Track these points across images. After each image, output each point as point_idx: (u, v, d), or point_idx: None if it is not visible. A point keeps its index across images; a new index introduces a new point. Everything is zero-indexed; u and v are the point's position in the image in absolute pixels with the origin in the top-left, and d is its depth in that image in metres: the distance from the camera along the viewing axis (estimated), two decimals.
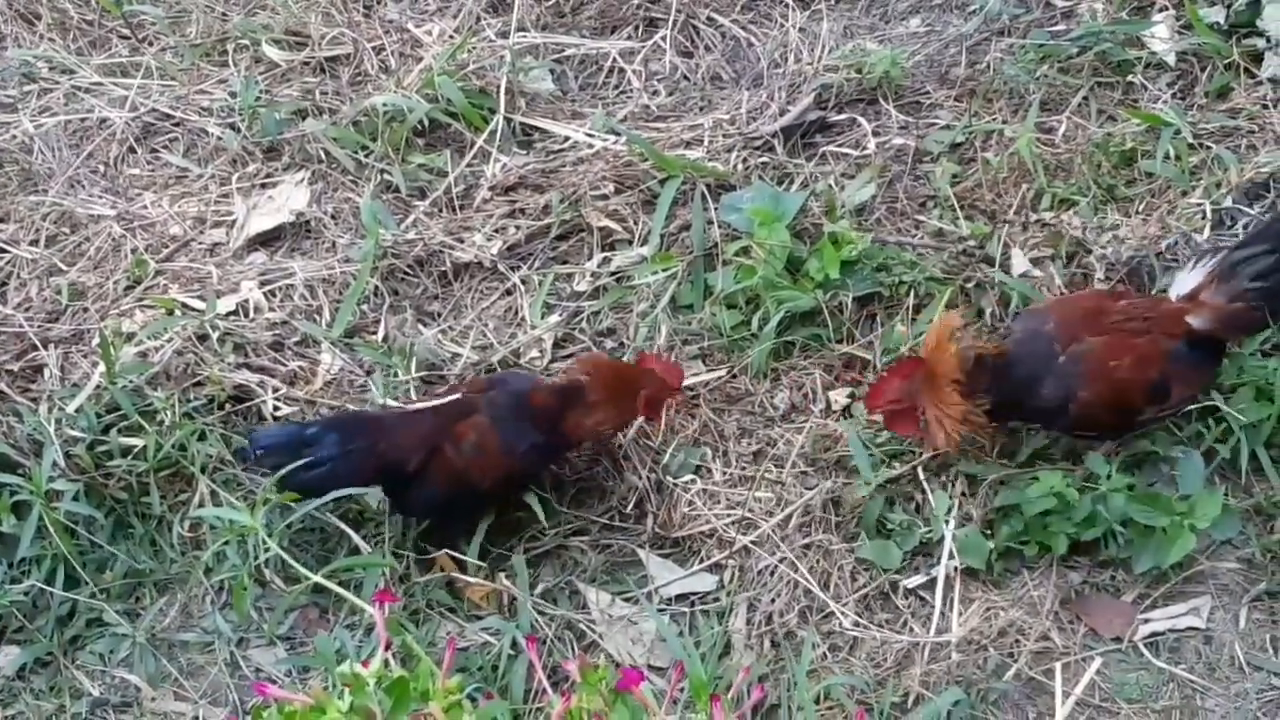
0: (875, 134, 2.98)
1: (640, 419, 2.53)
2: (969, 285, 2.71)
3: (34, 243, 3.00)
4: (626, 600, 2.41)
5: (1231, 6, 3.06)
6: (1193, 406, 2.46)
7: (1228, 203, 2.74)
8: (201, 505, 2.52)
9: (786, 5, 3.29)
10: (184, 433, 2.56)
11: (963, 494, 2.46)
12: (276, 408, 2.64)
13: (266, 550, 2.19)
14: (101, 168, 3.16)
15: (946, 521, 2.40)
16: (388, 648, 1.50)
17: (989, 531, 2.40)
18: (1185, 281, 2.44)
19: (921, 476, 2.47)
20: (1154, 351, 2.35)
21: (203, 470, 2.55)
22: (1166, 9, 3.13)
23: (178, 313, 2.78)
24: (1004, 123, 2.94)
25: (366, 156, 3.07)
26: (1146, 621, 2.32)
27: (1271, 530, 2.38)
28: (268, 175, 3.09)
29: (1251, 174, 2.76)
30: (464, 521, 2.47)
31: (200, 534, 2.54)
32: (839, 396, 2.62)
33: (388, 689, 1.46)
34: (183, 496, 2.57)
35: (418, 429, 2.39)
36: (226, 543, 2.33)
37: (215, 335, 2.73)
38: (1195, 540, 2.31)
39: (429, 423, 2.40)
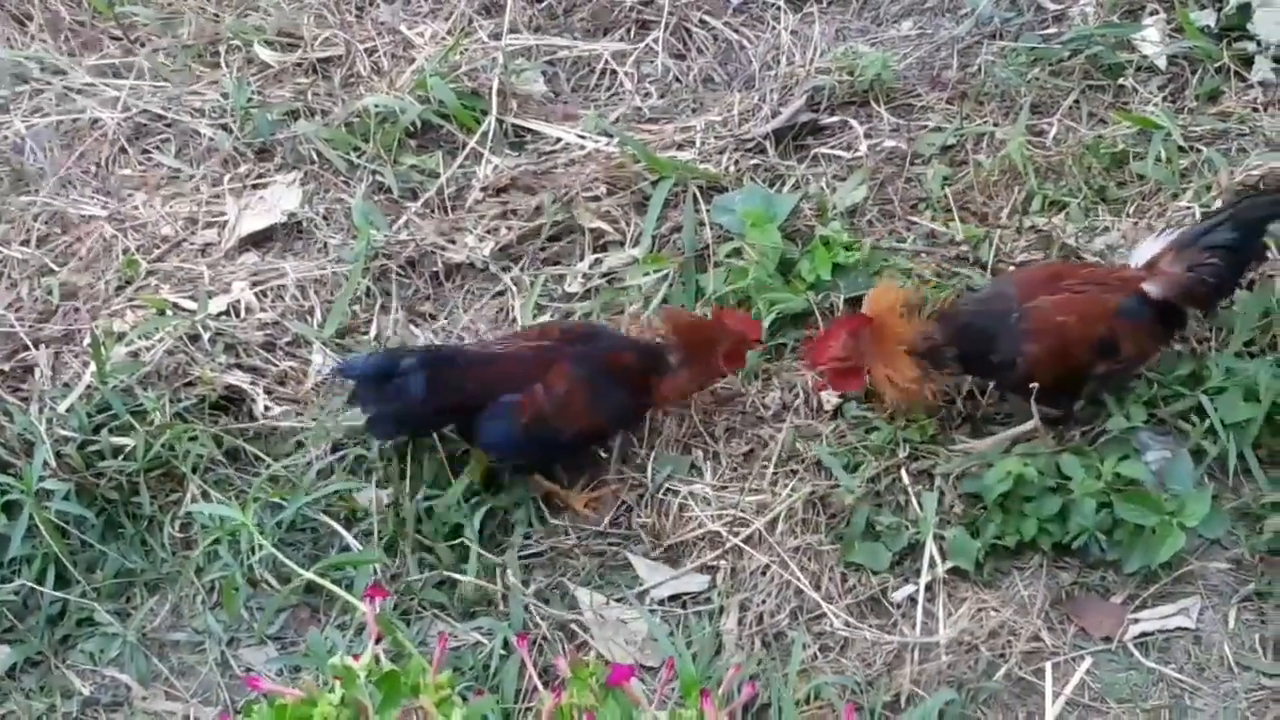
0: (867, 136, 2.98)
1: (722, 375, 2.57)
2: (961, 287, 2.71)
3: (25, 243, 3.00)
4: (619, 601, 2.41)
5: (1222, 10, 3.07)
6: (1180, 407, 2.47)
7: (1218, 205, 2.74)
8: (193, 505, 2.52)
9: (779, 8, 3.29)
10: (175, 433, 2.55)
11: (943, 492, 2.45)
12: (267, 408, 2.64)
13: (258, 549, 2.19)
14: (93, 168, 3.16)
15: (929, 530, 2.41)
16: (378, 642, 1.51)
17: (975, 531, 2.40)
18: (1146, 250, 2.49)
19: (905, 479, 2.47)
20: (1101, 308, 2.40)
21: (193, 470, 2.55)
22: (1157, 13, 3.14)
23: (169, 313, 2.78)
24: (995, 125, 2.95)
25: (358, 157, 3.07)
26: (1136, 622, 2.33)
27: (1260, 531, 2.38)
28: (260, 176, 3.09)
29: (1242, 176, 2.77)
30: (538, 466, 2.51)
31: (191, 534, 2.53)
32: (830, 397, 2.62)
33: (378, 682, 1.46)
34: (174, 496, 2.57)
35: (510, 369, 2.43)
36: (217, 541, 2.33)
37: (206, 335, 2.73)
38: (1185, 539, 2.32)
39: (521, 365, 2.43)
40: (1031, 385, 2.39)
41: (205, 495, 2.53)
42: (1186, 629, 2.32)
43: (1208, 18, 3.07)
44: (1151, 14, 3.15)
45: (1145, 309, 2.42)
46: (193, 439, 2.57)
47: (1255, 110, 2.92)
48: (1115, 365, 2.45)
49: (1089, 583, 2.38)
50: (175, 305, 2.81)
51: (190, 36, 3.43)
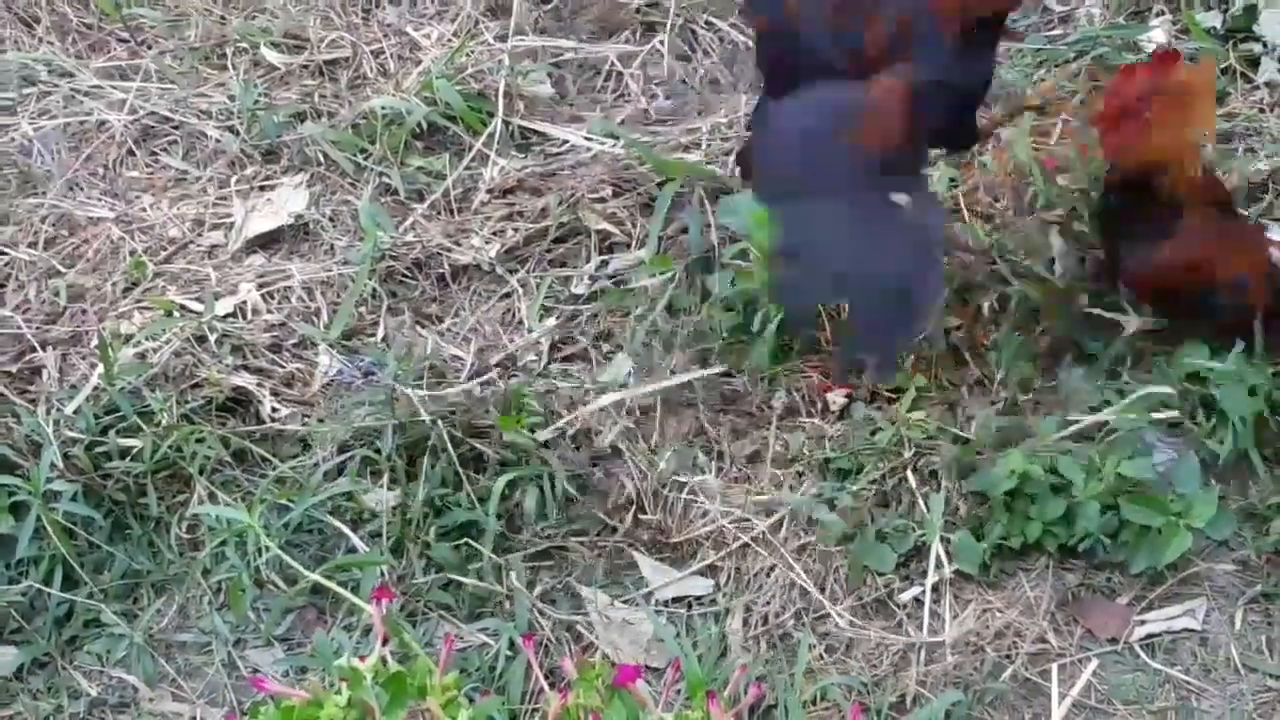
0: None
1: None
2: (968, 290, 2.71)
3: (33, 245, 3.01)
4: (625, 603, 2.42)
5: (1228, 11, 3.07)
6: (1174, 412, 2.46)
7: None
8: (200, 506, 2.53)
9: None
10: (182, 434, 2.56)
11: (950, 491, 2.45)
12: (274, 409, 2.65)
13: (265, 550, 2.19)
14: (100, 170, 3.17)
15: (936, 533, 2.40)
16: (385, 643, 1.51)
17: (980, 533, 2.40)
18: None
19: (911, 480, 2.47)
20: None
21: (201, 472, 2.55)
22: (1163, 14, 3.15)
23: (176, 314, 2.79)
24: (1000, 126, 2.95)
25: (365, 159, 3.08)
26: (1143, 623, 2.32)
27: (1267, 532, 2.38)
28: (266, 178, 3.10)
29: (1250, 176, 2.77)
30: None
31: (198, 535, 2.54)
32: (836, 398, 2.63)
33: (385, 684, 1.47)
34: (181, 498, 2.57)
35: None
36: (224, 543, 2.34)
37: (213, 337, 2.74)
38: (1191, 540, 2.32)
39: None
40: None
41: (212, 497, 2.54)
42: (1193, 630, 2.32)
43: (1213, 19, 3.07)
44: (1158, 15, 3.15)
45: None
46: (200, 440, 2.58)
47: (1261, 111, 2.92)
48: None
49: (1095, 584, 2.38)
50: (182, 307, 2.82)
51: (197, 39, 3.44)
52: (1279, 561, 2.36)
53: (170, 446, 2.56)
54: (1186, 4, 3.13)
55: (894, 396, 2.60)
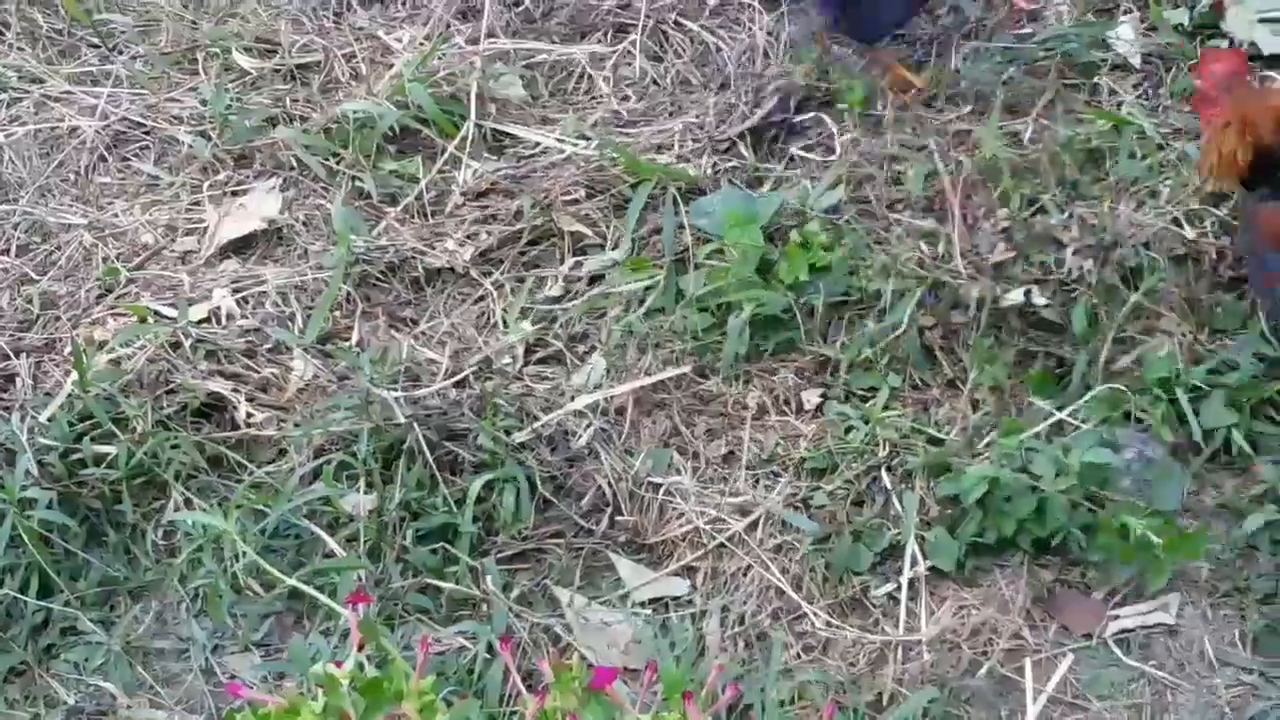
0: (843, 135, 2.99)
1: None
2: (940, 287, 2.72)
3: (5, 252, 3.00)
4: (602, 604, 2.42)
5: (1195, 8, 3.09)
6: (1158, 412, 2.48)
7: (1194, 204, 2.75)
8: (176, 512, 2.53)
9: (754, 8, 3.29)
10: (157, 441, 2.56)
11: (925, 489, 2.47)
12: (250, 415, 2.64)
13: (242, 556, 2.19)
14: (72, 176, 3.16)
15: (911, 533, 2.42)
16: (361, 649, 1.51)
17: (955, 530, 2.42)
18: None
19: (885, 479, 2.49)
20: None
21: (176, 478, 2.55)
22: (1131, 11, 3.16)
23: (150, 320, 2.78)
24: (970, 125, 2.96)
25: (338, 163, 3.07)
26: (1116, 618, 2.34)
27: (1240, 526, 2.40)
28: (239, 183, 3.10)
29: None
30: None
31: (174, 541, 2.54)
32: (811, 397, 2.64)
33: (362, 690, 1.47)
34: (157, 504, 2.57)
35: None
36: (201, 549, 2.34)
37: (188, 343, 2.73)
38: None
39: None
40: None
41: (188, 503, 2.54)
42: (1167, 625, 2.34)
43: (1180, 15, 3.09)
44: (1125, 12, 3.16)
45: None
46: (175, 447, 2.58)
47: None
48: None
49: (1070, 580, 2.40)
50: (156, 313, 2.81)
51: (168, 44, 3.42)
52: (1251, 556, 2.38)
53: (145, 453, 2.56)
54: (1154, 0, 3.15)
55: (868, 395, 2.62)
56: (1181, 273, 2.66)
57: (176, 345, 2.73)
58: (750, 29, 3.28)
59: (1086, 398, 2.51)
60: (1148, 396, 2.51)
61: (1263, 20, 3.02)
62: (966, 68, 3.10)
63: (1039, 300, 2.64)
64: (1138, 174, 2.80)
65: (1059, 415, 2.50)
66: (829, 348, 2.68)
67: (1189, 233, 2.69)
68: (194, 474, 2.58)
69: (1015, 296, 2.65)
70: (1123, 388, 2.52)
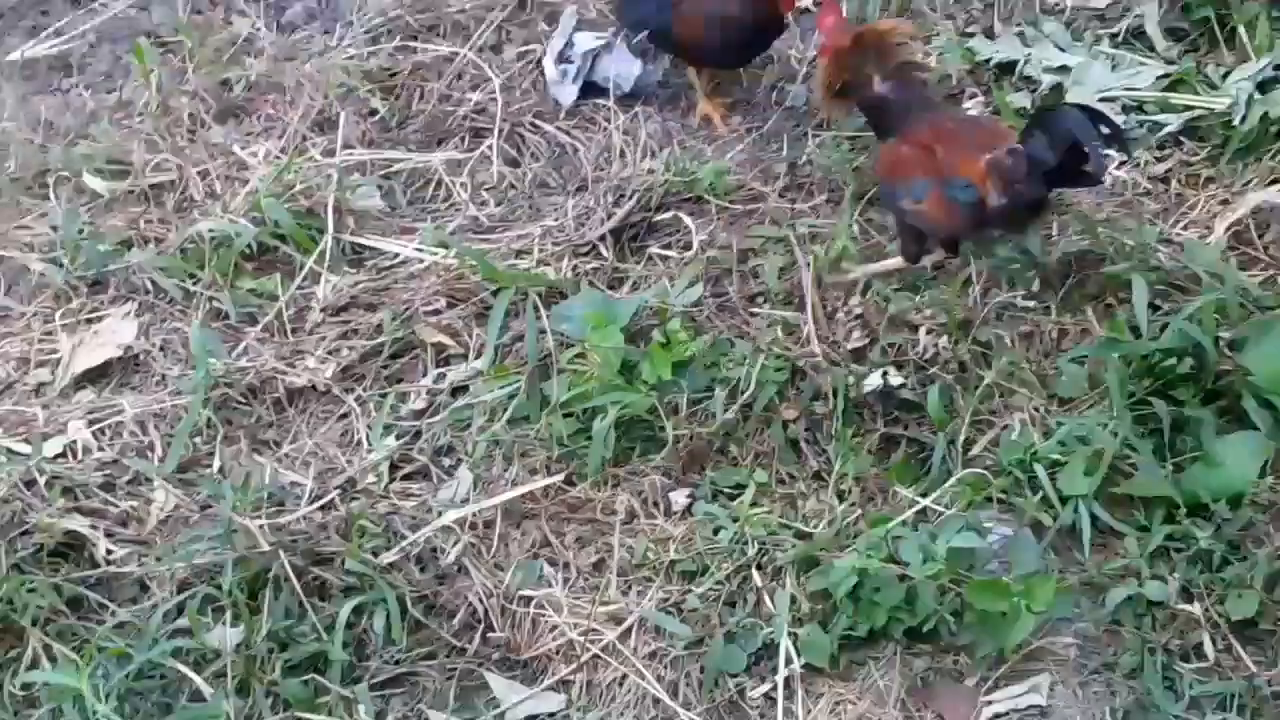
0: (699, 233, 3.02)
1: None
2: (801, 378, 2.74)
3: None
4: None
5: (1036, 92, 3.18)
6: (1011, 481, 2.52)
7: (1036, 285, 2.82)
8: (35, 660, 2.45)
9: (609, 109, 3.32)
10: (12, 585, 2.48)
11: (796, 585, 2.47)
12: (109, 551, 2.58)
13: (95, 713, 2.13)
14: None
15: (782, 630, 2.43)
16: None
17: (828, 624, 2.42)
18: None
19: (756, 578, 2.49)
20: None
21: (34, 624, 2.48)
22: (976, 95, 3.24)
23: (3, 458, 2.71)
24: (824, 216, 3.00)
25: (194, 284, 3.03)
26: (990, 704, 2.36)
27: (1103, 603, 2.44)
28: (93, 310, 3.04)
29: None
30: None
31: (33, 691, 2.45)
32: (679, 498, 2.64)
33: None
34: (14, 652, 2.48)
35: None
36: (60, 708, 2.27)
37: (43, 479, 2.67)
38: (1034, 622, 2.36)
39: None
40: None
41: (48, 650, 2.46)
42: (1038, 706, 2.37)
43: (1023, 99, 3.17)
44: (970, 97, 3.25)
45: None
46: (32, 590, 2.50)
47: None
48: None
49: (943, 667, 2.42)
50: (9, 450, 2.74)
51: (17, 169, 3.36)
52: (1116, 632, 2.42)
53: (1, 599, 2.48)
54: (997, 85, 3.23)
55: (736, 492, 2.63)
56: (1029, 347, 2.73)
57: (31, 483, 2.66)
58: (606, 129, 3.31)
59: (949, 483, 2.55)
60: (1009, 478, 2.55)
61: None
62: (819, 156, 3.16)
63: (895, 381, 2.69)
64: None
65: (923, 502, 2.53)
66: (699, 441, 2.68)
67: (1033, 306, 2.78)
68: (52, 617, 2.50)
69: (874, 380, 2.69)
70: (983, 471, 2.56)
